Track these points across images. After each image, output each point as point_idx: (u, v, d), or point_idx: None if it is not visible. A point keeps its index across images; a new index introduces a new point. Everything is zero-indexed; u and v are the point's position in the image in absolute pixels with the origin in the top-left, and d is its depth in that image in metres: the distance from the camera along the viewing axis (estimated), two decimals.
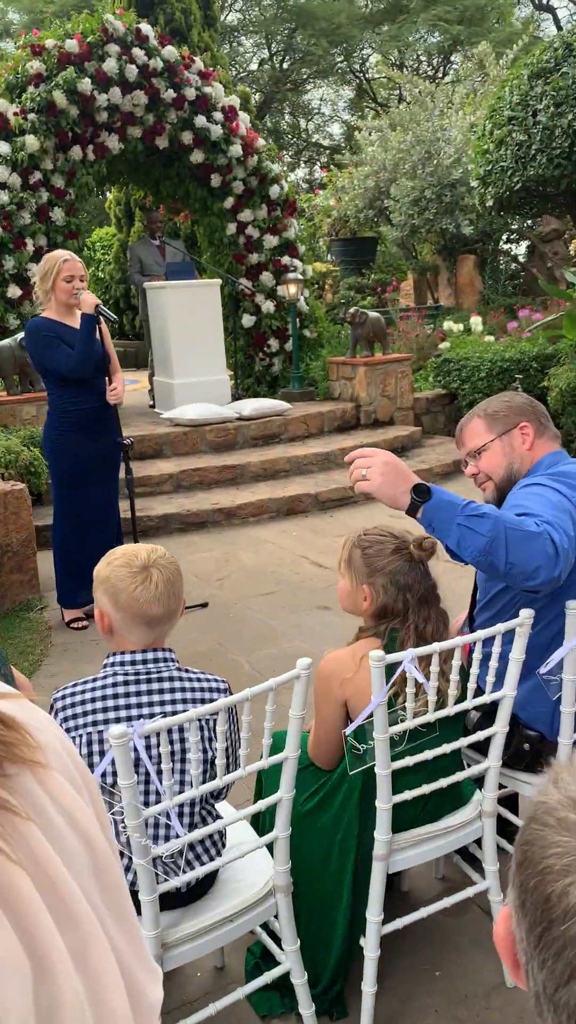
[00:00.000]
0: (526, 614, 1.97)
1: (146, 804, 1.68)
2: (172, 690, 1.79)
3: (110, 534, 4.54)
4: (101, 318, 4.24)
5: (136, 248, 9.03)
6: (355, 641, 2.08)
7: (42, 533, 5.42)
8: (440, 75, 26.08)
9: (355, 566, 2.04)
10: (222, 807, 2.09)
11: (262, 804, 1.84)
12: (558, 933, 0.64)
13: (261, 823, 2.21)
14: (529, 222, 12.20)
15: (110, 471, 4.57)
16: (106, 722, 1.72)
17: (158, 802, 1.67)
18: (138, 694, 1.76)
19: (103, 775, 1.70)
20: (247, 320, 9.05)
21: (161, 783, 1.62)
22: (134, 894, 1.68)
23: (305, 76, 27.31)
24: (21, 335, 6.79)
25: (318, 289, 13.17)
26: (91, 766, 1.71)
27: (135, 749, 1.54)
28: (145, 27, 8.07)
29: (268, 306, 9.02)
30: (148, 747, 1.71)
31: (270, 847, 1.96)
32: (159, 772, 1.69)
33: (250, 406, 8.02)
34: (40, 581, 5.01)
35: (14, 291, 7.50)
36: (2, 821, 0.62)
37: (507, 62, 12.96)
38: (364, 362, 8.38)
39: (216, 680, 1.86)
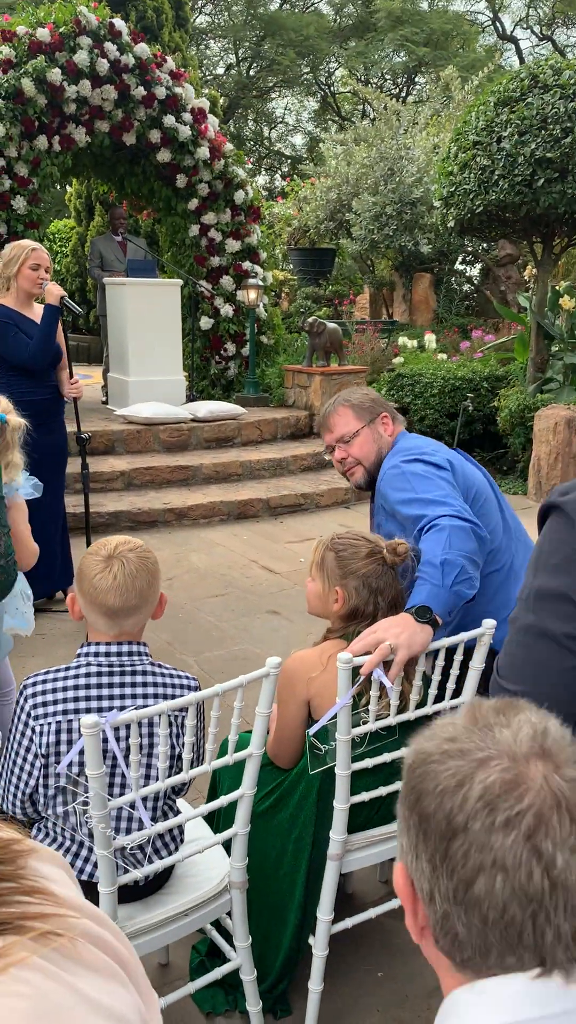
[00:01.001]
0: (488, 624, 2.02)
1: (111, 796, 1.68)
2: (144, 684, 1.79)
3: (53, 528, 4.46)
4: (65, 310, 4.21)
5: (97, 242, 8.96)
6: (322, 642, 2.11)
7: None
8: (404, 94, 26.46)
9: (328, 568, 2.07)
10: (180, 803, 2.09)
11: (224, 800, 1.85)
12: (462, 840, 0.72)
13: (216, 820, 2.22)
14: (485, 245, 12.45)
15: (58, 465, 4.51)
16: (76, 711, 1.72)
17: (123, 794, 1.67)
18: (110, 686, 1.76)
19: (69, 765, 1.70)
20: (205, 322, 9.05)
21: (130, 774, 1.63)
22: (93, 886, 1.67)
23: (271, 84, 27.45)
24: None
25: (275, 297, 13.22)
26: (59, 755, 1.71)
27: (105, 739, 1.54)
28: (119, 22, 8.04)
29: (227, 310, 9.03)
30: (117, 739, 1.72)
31: (227, 844, 1.97)
32: (127, 763, 1.69)
33: (205, 408, 8.01)
34: None
35: None
36: None
37: (472, 87, 13.22)
38: (320, 371, 8.44)
39: (187, 677, 1.87)
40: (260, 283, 8.88)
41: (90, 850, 1.74)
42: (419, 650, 1.89)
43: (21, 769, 1.73)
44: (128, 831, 1.74)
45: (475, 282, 14.09)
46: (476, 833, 0.71)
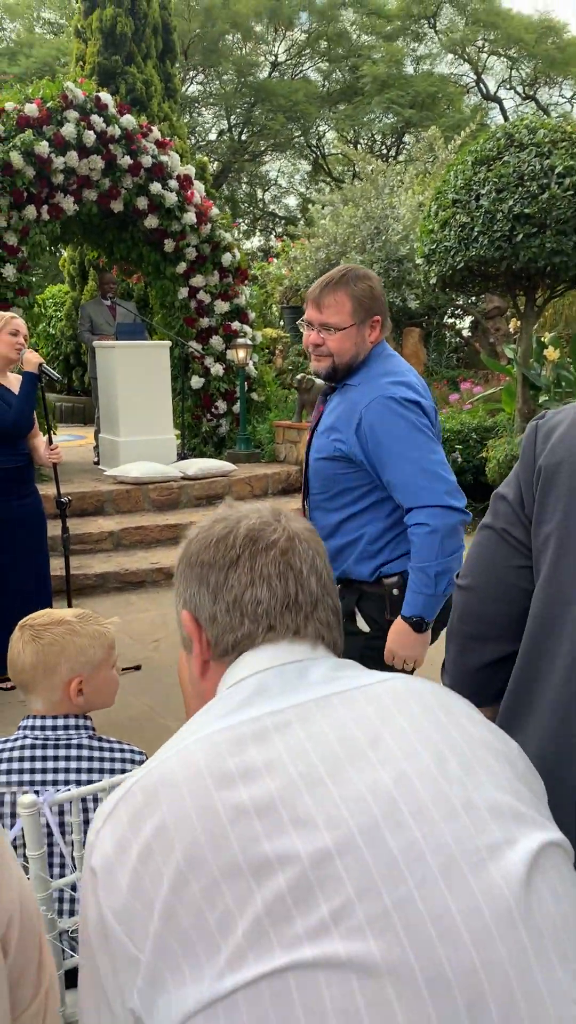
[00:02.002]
0: None
1: (54, 876, 1.64)
2: (79, 757, 1.77)
3: (42, 603, 4.37)
4: (44, 376, 4.25)
5: (87, 307, 9.11)
6: None
7: None
8: (393, 154, 27.10)
9: None
10: None
11: None
12: (235, 568, 0.98)
13: None
14: (472, 299, 12.63)
15: (38, 535, 4.40)
16: (20, 783, 1.72)
17: (63, 875, 1.63)
18: (52, 758, 1.76)
19: (12, 842, 1.66)
20: (196, 381, 9.15)
21: (72, 854, 1.59)
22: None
23: (263, 148, 28.17)
24: None
25: (268, 354, 13.36)
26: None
27: (46, 819, 1.51)
28: (105, 96, 8.28)
29: (217, 369, 9.14)
30: (60, 817, 1.69)
31: None
32: (71, 843, 1.66)
33: (195, 466, 8.06)
34: None
35: None
36: None
37: (455, 147, 13.54)
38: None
39: (132, 752, 1.85)
40: (249, 342, 9.00)
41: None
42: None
43: None
44: (72, 913, 1.70)
45: (465, 335, 14.26)
46: (245, 559, 0.98)
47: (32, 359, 4.22)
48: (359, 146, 26.16)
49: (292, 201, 30.81)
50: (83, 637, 1.85)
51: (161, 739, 3.80)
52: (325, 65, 27.25)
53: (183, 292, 9.10)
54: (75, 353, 14.42)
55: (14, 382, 4.25)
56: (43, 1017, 0.99)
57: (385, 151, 27.59)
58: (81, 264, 13.29)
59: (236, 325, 9.29)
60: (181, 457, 8.53)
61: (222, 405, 9.31)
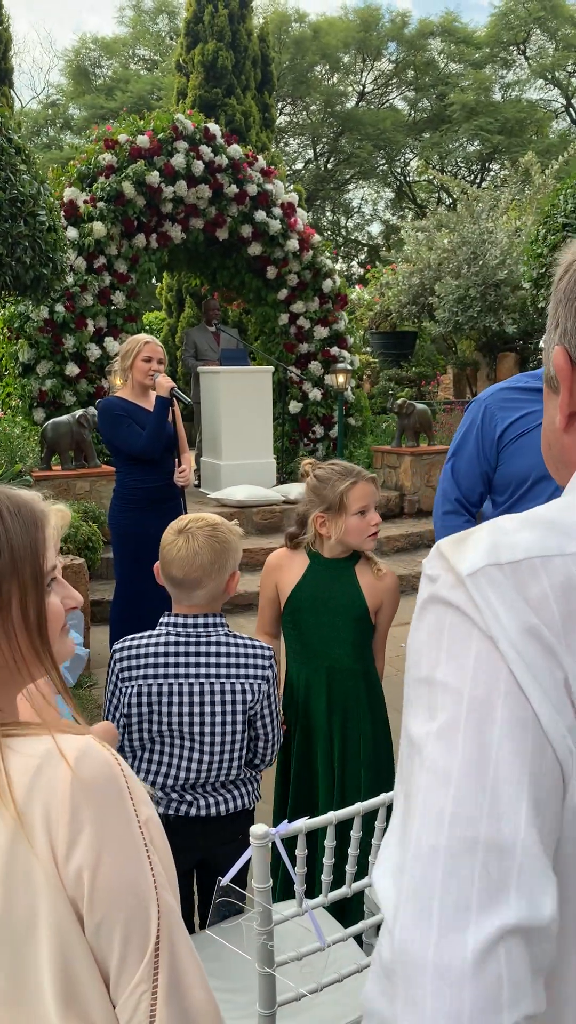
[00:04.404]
0: None
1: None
2: (220, 654, 1.97)
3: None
4: (175, 399, 4.31)
5: (192, 333, 9.26)
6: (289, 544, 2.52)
7: (95, 608, 5.40)
8: (479, 181, 27.01)
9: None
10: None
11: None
12: None
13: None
14: None
15: None
16: (155, 677, 1.94)
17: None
18: (193, 654, 1.96)
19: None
20: (294, 406, 9.19)
21: (303, 886, 1.56)
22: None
23: (348, 176, 28.41)
24: (79, 412, 6.92)
25: (358, 380, 13.40)
26: (140, 714, 1.96)
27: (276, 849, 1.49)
28: (213, 126, 8.46)
29: (315, 394, 9.17)
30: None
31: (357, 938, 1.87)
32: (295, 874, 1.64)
33: (296, 490, 8.06)
34: (91, 657, 4.97)
35: (72, 369, 7.68)
36: None
37: (552, 171, 13.41)
38: (410, 452, 8.44)
39: (263, 648, 2.04)
40: (348, 367, 9.01)
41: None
42: None
43: (110, 712, 1.99)
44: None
45: None
46: None
47: (164, 383, 4.28)
48: (444, 173, 26.18)
49: (375, 228, 31.00)
50: (235, 536, 2.05)
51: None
52: (412, 94, 27.39)
53: (283, 318, 9.18)
54: (172, 378, 14.67)
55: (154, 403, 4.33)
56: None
57: (471, 178, 27.51)
58: (179, 291, 13.56)
59: (335, 350, 9.32)
60: (280, 481, 8.56)
61: (319, 430, 9.33)
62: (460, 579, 0.67)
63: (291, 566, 2.47)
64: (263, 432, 8.41)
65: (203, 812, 2.02)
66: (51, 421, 6.89)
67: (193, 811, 2.01)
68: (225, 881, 1.64)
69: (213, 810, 2.03)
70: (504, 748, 0.61)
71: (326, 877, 1.64)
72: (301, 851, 1.54)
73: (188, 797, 2.02)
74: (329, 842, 1.62)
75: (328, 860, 1.65)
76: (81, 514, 5.98)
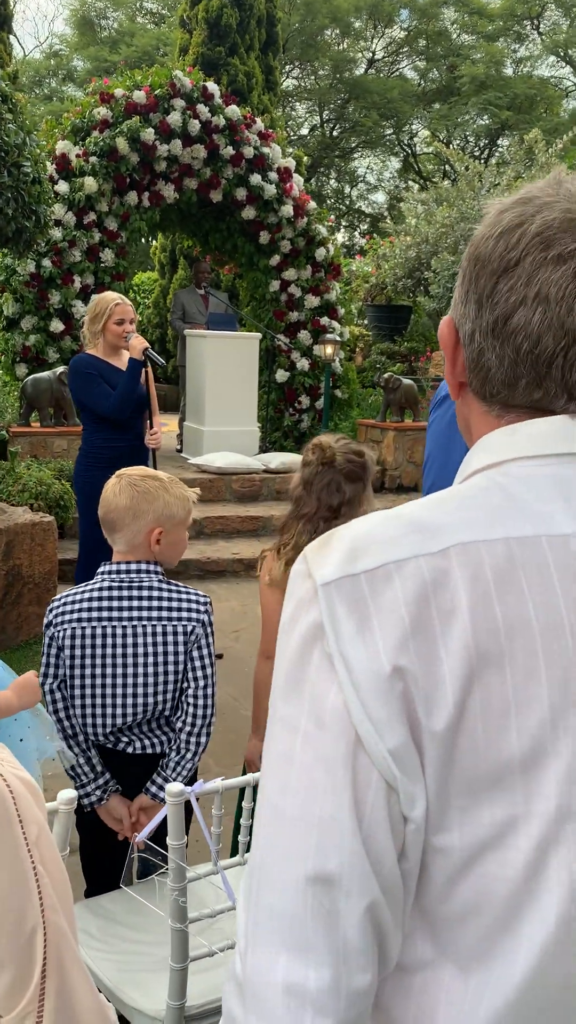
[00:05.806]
0: None
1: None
2: (152, 598, 2.03)
3: None
4: (148, 362, 4.28)
5: (181, 295, 9.17)
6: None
7: (63, 567, 5.40)
8: (486, 156, 26.71)
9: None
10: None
11: None
12: (511, 275, 0.72)
13: None
14: None
15: None
16: (89, 620, 2.00)
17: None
18: (126, 598, 2.02)
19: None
20: (281, 375, 9.15)
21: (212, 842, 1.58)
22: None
23: (353, 145, 28.03)
24: (61, 369, 6.87)
25: (349, 352, 13.32)
26: (72, 657, 2.01)
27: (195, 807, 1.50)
28: (211, 85, 8.32)
29: (303, 364, 9.12)
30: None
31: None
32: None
33: (278, 459, 8.05)
34: None
35: (57, 325, 7.61)
36: None
37: (556, 150, 13.26)
38: (394, 427, 8.43)
39: (197, 595, 2.09)
40: (338, 338, 8.95)
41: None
42: None
43: (50, 665, 2.04)
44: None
45: None
46: (526, 267, 0.71)
47: (137, 345, 4.24)
48: (451, 146, 25.87)
49: (379, 198, 30.65)
50: (171, 495, 2.08)
51: (243, 728, 3.79)
52: (422, 64, 26.97)
53: (275, 285, 9.10)
54: (160, 341, 14.56)
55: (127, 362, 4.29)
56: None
57: (478, 153, 27.21)
58: (172, 252, 13.41)
59: (325, 320, 9.26)
60: (262, 450, 8.54)
61: (305, 400, 9.29)
62: (315, 589, 0.67)
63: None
64: (248, 400, 8.37)
65: (139, 751, 2.06)
66: (31, 377, 6.85)
67: (130, 750, 2.06)
68: (141, 838, 1.66)
69: (149, 750, 2.07)
70: (327, 781, 0.63)
71: (243, 838, 1.66)
72: (217, 811, 1.56)
73: (124, 738, 2.07)
74: (247, 803, 1.64)
75: (246, 821, 1.67)
76: (56, 472, 5.96)
